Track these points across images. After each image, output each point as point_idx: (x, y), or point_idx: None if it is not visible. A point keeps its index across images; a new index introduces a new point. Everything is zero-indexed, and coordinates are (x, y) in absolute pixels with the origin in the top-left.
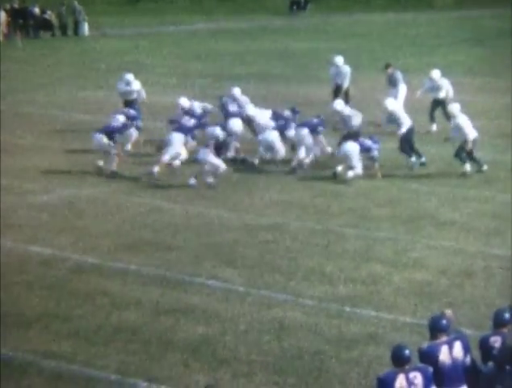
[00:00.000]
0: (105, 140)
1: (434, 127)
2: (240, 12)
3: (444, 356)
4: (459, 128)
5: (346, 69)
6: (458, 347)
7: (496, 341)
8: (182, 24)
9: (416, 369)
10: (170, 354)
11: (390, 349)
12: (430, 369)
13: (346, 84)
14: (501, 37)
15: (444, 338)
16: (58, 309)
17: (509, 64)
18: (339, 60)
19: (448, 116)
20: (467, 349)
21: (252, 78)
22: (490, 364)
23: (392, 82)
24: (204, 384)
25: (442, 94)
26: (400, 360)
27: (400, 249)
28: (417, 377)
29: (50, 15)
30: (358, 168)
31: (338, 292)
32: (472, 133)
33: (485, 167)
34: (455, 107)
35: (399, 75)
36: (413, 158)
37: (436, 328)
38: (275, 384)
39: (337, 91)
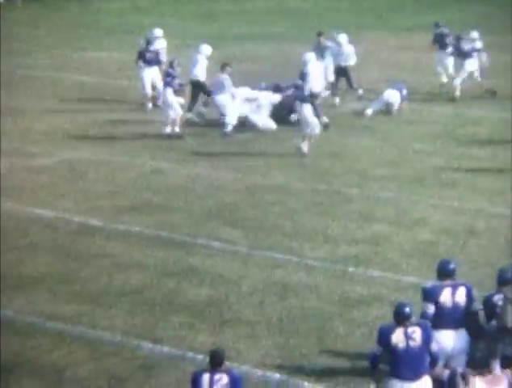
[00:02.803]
0: None
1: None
2: None
3: (445, 298)
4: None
5: (350, 49)
6: (461, 292)
7: (499, 299)
8: None
9: (416, 324)
10: (174, 315)
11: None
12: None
13: (351, 64)
14: None
15: (449, 282)
16: (62, 272)
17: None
18: (342, 38)
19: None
20: (470, 298)
21: (253, 38)
22: (493, 322)
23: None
24: (210, 346)
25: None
26: (400, 317)
27: (403, 209)
28: (416, 332)
29: None
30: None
31: (342, 252)
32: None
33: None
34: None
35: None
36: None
37: (442, 272)
38: (279, 345)
39: (339, 73)
